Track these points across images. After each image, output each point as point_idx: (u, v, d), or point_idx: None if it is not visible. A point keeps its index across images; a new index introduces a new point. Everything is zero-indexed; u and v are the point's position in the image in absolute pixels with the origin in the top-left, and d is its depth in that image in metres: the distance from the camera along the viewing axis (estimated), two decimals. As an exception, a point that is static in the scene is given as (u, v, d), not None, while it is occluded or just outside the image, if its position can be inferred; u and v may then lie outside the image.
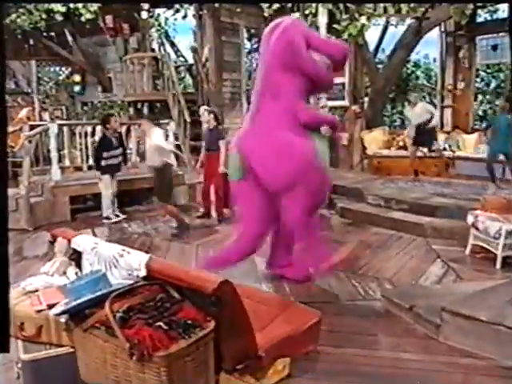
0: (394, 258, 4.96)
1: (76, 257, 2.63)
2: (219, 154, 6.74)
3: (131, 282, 2.21)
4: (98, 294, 2.00)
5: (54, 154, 6.72)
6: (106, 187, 6.69)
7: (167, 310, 1.98)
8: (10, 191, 7.04)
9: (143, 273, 2.15)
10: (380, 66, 13.58)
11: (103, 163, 6.62)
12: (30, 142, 6.25)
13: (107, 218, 6.73)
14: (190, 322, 1.93)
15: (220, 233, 6.17)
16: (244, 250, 4.13)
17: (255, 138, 3.91)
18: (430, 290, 3.84)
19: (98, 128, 7.36)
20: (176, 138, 8.66)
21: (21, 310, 2.32)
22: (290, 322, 2.51)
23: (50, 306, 2.22)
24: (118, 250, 2.31)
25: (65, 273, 2.59)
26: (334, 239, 5.65)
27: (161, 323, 1.88)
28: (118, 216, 6.85)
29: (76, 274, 2.56)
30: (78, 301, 1.97)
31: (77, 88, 13.21)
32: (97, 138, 7.43)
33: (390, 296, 3.68)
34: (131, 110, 11.96)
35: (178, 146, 8.88)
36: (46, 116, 13.23)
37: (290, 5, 8.52)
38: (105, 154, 6.57)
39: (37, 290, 2.50)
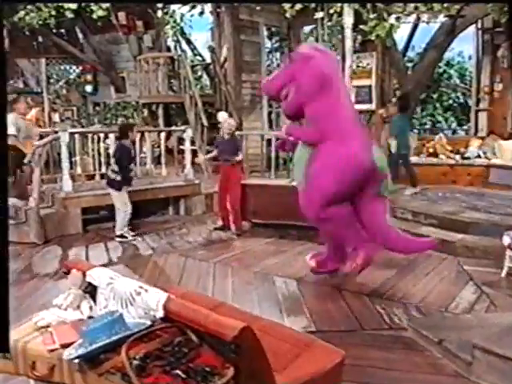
0: (423, 280, 4.96)
1: (91, 289, 2.70)
2: (236, 165, 6.81)
3: (148, 321, 2.27)
4: (114, 338, 2.07)
5: (65, 164, 6.84)
6: (125, 203, 6.60)
7: (185, 355, 2.04)
8: (19, 201, 7.23)
9: (161, 314, 2.21)
10: (409, 65, 13.55)
11: (129, 176, 6.62)
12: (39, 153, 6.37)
13: (122, 236, 6.61)
14: (208, 369, 1.98)
15: (238, 248, 6.24)
16: None
17: None
18: (461, 321, 3.84)
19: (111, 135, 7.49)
20: (192, 143, 8.74)
21: (33, 349, 2.38)
22: (312, 363, 2.55)
23: (64, 346, 2.29)
24: (134, 287, 2.38)
25: (78, 307, 2.66)
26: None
27: (179, 371, 1.94)
28: (133, 234, 6.73)
29: (90, 308, 2.64)
30: (94, 346, 2.05)
31: (88, 88, 13.39)
32: (110, 142, 7.55)
33: (418, 326, 3.69)
34: (145, 111, 12.14)
35: (194, 152, 8.98)
36: (55, 117, 13.48)
37: (313, 4, 8.54)
38: (130, 166, 6.62)
39: (49, 326, 2.56)
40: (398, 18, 8.23)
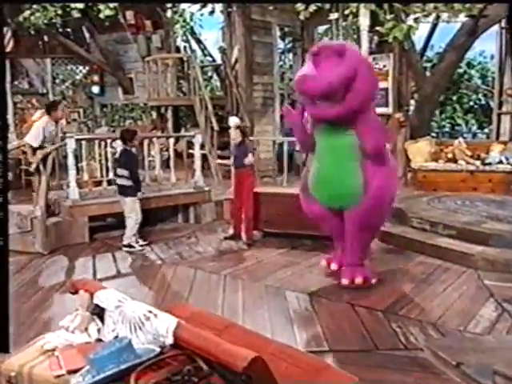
0: (440, 296, 4.94)
1: (99, 311, 2.75)
2: (247, 171, 6.86)
3: (157, 347, 2.31)
4: (123, 367, 2.11)
5: (71, 172, 6.92)
6: (136, 211, 6.65)
7: (195, 384, 2.08)
8: (24, 208, 7.34)
9: (170, 341, 2.25)
10: (428, 65, 13.52)
11: (140, 181, 6.69)
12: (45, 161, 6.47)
13: (129, 245, 6.64)
14: (218, 399, 2.02)
15: (249, 260, 6.26)
16: None
17: None
18: (481, 342, 3.84)
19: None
20: (202, 147, 8.79)
21: (39, 374, 2.42)
22: (324, 390, 2.57)
23: (70, 372, 2.34)
24: (144, 312, 2.43)
25: (86, 329, 2.71)
26: (371, 269, 5.67)
27: (188, 402, 1.98)
28: (141, 244, 6.76)
29: (98, 330, 2.69)
30: (102, 375, 2.09)
31: (95, 89, 13.54)
32: (116, 146, 7.62)
33: (435, 347, 3.70)
34: (154, 113, 12.24)
35: (204, 156, 9.05)
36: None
37: (328, 5, 8.57)
38: (139, 171, 6.68)
39: (56, 349, 2.61)
40: (416, 20, 8.22)
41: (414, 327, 4.19)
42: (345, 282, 5.05)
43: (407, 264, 5.94)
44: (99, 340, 2.69)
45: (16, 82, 13.93)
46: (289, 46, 11.28)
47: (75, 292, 2.86)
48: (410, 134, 9.82)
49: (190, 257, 6.44)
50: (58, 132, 7.31)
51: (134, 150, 6.79)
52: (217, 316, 3.37)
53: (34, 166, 6.44)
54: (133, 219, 6.66)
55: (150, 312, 2.43)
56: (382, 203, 4.73)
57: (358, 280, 5.01)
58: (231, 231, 7.20)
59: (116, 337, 2.58)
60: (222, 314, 4.55)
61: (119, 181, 6.72)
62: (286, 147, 9.03)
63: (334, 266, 5.34)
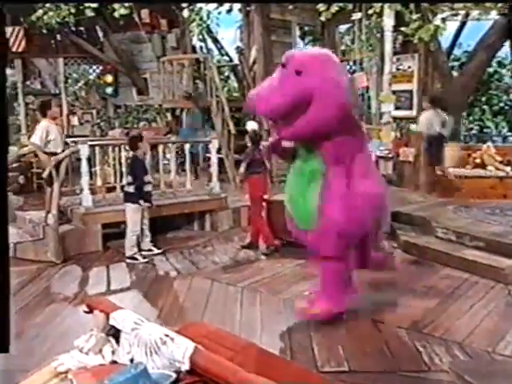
0: (467, 314, 4.90)
1: (114, 332, 2.80)
2: (265, 177, 6.91)
3: (173, 372, 2.36)
4: (138, 394, 2.16)
5: (84, 178, 7.01)
6: (134, 222, 6.69)
7: (212, 413, 2.12)
8: (36, 215, 7.48)
9: (186, 366, 2.29)
10: (455, 64, 13.41)
11: (144, 189, 6.68)
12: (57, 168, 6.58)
13: (132, 258, 6.69)
14: (236, 429, 2.06)
15: (267, 271, 6.27)
16: None
17: None
18: (511, 365, 3.82)
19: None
20: (218, 151, 8.84)
21: (51, 398, 2.49)
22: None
23: (84, 397, 2.40)
24: (160, 335, 2.47)
25: (101, 351, 2.76)
26: (393, 282, 5.67)
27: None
28: (145, 256, 6.75)
29: (113, 352, 2.74)
30: (117, 403, 2.14)
31: (109, 89, 13.68)
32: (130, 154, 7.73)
33: (461, 370, 3.69)
34: (169, 115, 12.34)
35: (220, 160, 9.10)
36: (74, 120, 13.81)
37: (351, 5, 8.57)
38: (145, 178, 6.67)
39: (69, 371, 2.66)
40: (444, 19, 8.17)
41: (439, 347, 4.18)
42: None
43: (432, 277, 5.92)
44: (114, 362, 2.74)
45: (28, 83, 14.15)
46: (309, 45, 11.29)
47: (90, 311, 2.91)
48: (436, 138, 9.74)
49: (206, 267, 6.48)
50: (61, 133, 7.44)
51: (140, 155, 6.82)
52: (233, 335, 3.40)
53: (46, 172, 6.54)
54: (130, 230, 6.72)
55: (167, 336, 2.47)
56: (334, 231, 4.34)
57: (314, 309, 4.63)
58: (248, 239, 7.25)
59: (131, 360, 2.63)
60: (239, 329, 4.60)
61: (126, 187, 6.85)
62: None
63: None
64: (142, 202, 6.67)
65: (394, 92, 9.07)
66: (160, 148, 8.22)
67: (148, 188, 6.77)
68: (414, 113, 9.66)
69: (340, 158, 4.30)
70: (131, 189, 6.67)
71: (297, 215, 4.65)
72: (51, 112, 7.36)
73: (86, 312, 2.95)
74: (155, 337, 2.49)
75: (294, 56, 4.21)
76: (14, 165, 9.30)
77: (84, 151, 6.91)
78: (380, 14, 8.12)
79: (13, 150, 11.90)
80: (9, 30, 12.54)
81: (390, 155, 7.80)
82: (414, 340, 4.32)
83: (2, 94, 2.80)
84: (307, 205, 4.44)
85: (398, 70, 9.75)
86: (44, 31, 12.70)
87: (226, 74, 14.27)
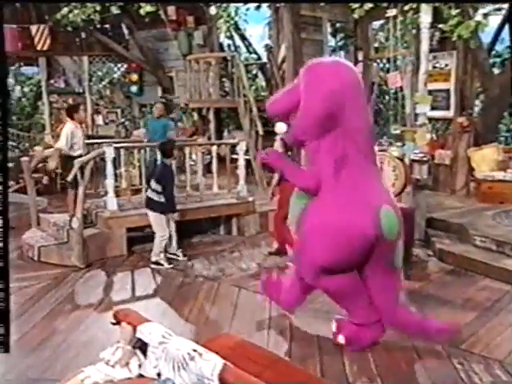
0: (509, 329, 4.80)
1: (141, 345, 2.84)
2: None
3: (202, 389, 2.38)
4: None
5: (109, 181, 7.10)
6: (163, 227, 6.75)
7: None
8: (60, 218, 7.60)
9: (215, 384, 2.32)
10: (497, 60, 13.16)
11: (174, 199, 6.76)
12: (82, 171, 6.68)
13: (157, 263, 6.76)
14: None
15: (295, 279, 6.27)
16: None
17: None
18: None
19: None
20: (246, 152, 8.86)
21: (78, 412, 2.54)
22: None
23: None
24: (188, 351, 2.49)
25: (127, 364, 2.80)
26: (429, 294, 5.61)
27: None
28: (170, 262, 6.81)
29: (140, 366, 2.77)
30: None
31: (134, 88, 13.83)
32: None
33: (502, 390, 3.63)
34: (195, 115, 12.40)
35: (247, 161, 9.11)
36: (99, 120, 14.00)
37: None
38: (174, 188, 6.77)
39: (95, 384, 2.70)
40: (485, 15, 8.02)
41: (478, 365, 4.11)
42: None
43: (469, 289, 5.83)
44: (140, 376, 2.78)
45: (52, 81, 14.40)
46: (340, 43, 11.24)
47: (117, 323, 2.95)
48: (474, 139, 9.59)
49: (233, 274, 6.51)
50: (84, 135, 7.57)
51: (170, 163, 6.87)
52: (261, 349, 3.41)
53: (71, 176, 6.65)
54: (158, 235, 6.77)
55: (195, 351, 2.49)
56: (302, 257, 4.26)
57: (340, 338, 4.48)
58: (276, 245, 7.24)
59: (158, 374, 2.67)
60: (267, 340, 4.61)
61: (150, 193, 6.81)
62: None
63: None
64: (171, 214, 6.76)
65: (429, 92, 8.94)
66: (187, 150, 8.27)
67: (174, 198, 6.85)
68: (451, 113, 9.53)
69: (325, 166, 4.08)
70: (161, 199, 6.68)
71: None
72: (78, 116, 7.50)
73: (113, 324, 2.99)
74: (183, 352, 2.51)
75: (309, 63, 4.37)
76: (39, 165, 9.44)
77: (109, 153, 7.00)
78: (416, 11, 8.01)
79: (38, 150, 12.19)
80: (33, 28, 12.80)
81: (425, 158, 7.68)
82: (450, 356, 4.26)
83: (2, 92, 2.86)
84: (297, 211, 4.31)
85: (434, 68, 9.63)
86: (69, 29, 12.90)
87: (254, 72, 14.28)
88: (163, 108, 9.86)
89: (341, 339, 4.45)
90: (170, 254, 6.93)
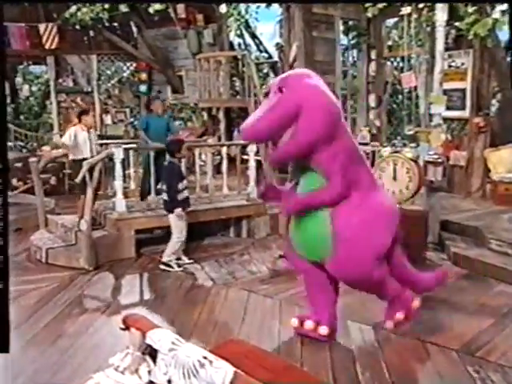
0: (527, 335, 4.80)
1: (151, 351, 2.85)
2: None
3: (212, 397, 2.38)
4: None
5: (118, 183, 7.14)
6: (179, 229, 6.74)
7: None
8: (68, 220, 7.65)
9: (226, 392, 2.32)
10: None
11: (179, 197, 6.71)
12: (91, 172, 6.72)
13: (167, 264, 6.77)
14: None
15: (306, 283, 6.26)
16: None
17: None
18: None
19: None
20: (257, 153, 8.86)
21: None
22: None
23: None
24: (198, 358, 2.49)
25: (137, 370, 2.81)
26: (443, 299, 5.58)
27: None
28: (179, 265, 6.82)
29: (149, 372, 2.78)
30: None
31: (143, 87, 13.92)
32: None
33: (519, 399, 3.60)
34: (205, 114, 12.44)
35: (258, 162, 9.11)
36: (107, 119, 14.07)
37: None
38: (180, 186, 6.70)
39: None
40: (503, 12, 7.95)
41: (495, 373, 4.07)
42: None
43: (485, 294, 5.80)
44: (151, 382, 2.79)
45: (60, 80, 14.50)
46: (353, 41, 11.19)
47: (126, 328, 2.96)
48: (491, 140, 9.53)
49: (243, 277, 6.51)
50: (92, 139, 7.59)
51: (177, 162, 6.86)
52: (272, 355, 3.43)
53: (79, 177, 6.68)
54: (174, 236, 6.79)
55: (205, 358, 2.49)
56: (355, 254, 4.17)
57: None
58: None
59: (169, 381, 2.67)
60: (277, 346, 4.62)
61: (163, 194, 6.90)
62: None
63: (309, 325, 4.70)
64: (178, 210, 6.70)
65: (445, 91, 8.90)
66: (196, 151, 8.29)
67: (183, 195, 6.78)
68: (466, 113, 9.47)
69: (341, 169, 4.07)
70: (165, 197, 6.74)
71: (306, 243, 4.43)
72: (86, 119, 7.51)
73: (122, 329, 3.00)
74: (193, 359, 2.52)
75: (276, 79, 4.35)
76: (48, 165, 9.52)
77: (118, 154, 7.03)
78: (432, 8, 7.98)
79: (46, 150, 12.28)
80: (42, 26, 12.90)
81: (440, 160, 7.65)
82: (465, 364, 4.23)
83: (1, 93, 2.89)
84: (318, 229, 4.25)
85: (449, 67, 9.56)
86: (77, 27, 13.01)
87: (265, 71, 14.29)
88: (163, 105, 9.82)
89: (308, 325, 4.66)
90: (176, 258, 6.92)
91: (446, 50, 8.72)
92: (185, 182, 6.87)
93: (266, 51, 14.75)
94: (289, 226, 4.61)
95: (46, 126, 16.63)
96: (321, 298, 4.73)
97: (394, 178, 6.69)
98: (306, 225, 4.32)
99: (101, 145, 8.35)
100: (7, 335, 2.98)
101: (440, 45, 7.79)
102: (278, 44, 12.00)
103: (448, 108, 9.13)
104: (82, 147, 7.34)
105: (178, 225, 6.76)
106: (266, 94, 4.27)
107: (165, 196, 6.76)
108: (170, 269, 6.72)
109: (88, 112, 7.91)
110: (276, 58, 12.63)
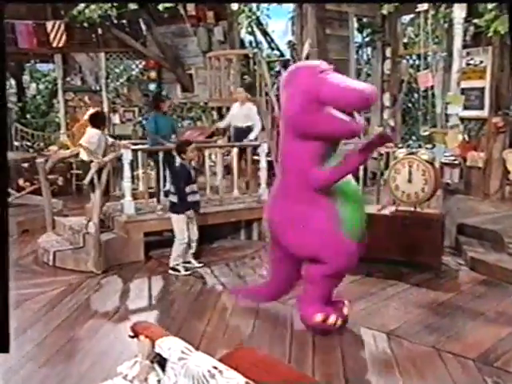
0: (547, 345, 4.77)
1: (160, 359, 2.87)
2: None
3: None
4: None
5: (126, 184, 7.18)
6: (181, 231, 6.79)
7: None
8: (76, 222, 7.71)
9: (237, 403, 2.33)
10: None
11: (188, 199, 6.75)
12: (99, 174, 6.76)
13: (174, 269, 6.82)
14: None
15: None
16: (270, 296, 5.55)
17: (278, 206, 4.90)
18: None
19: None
20: (268, 154, 8.86)
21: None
22: None
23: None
24: (208, 368, 2.51)
25: (146, 379, 2.83)
26: (460, 306, 5.57)
27: None
28: (187, 269, 6.85)
29: (158, 381, 2.81)
30: None
31: (152, 86, 13.95)
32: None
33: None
34: (215, 114, 12.47)
35: (269, 163, 9.12)
36: (116, 119, 14.13)
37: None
38: (187, 189, 6.72)
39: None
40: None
41: (514, 383, 4.08)
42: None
43: (503, 301, 5.76)
44: (160, 391, 2.81)
45: (68, 79, 14.58)
46: (367, 39, 11.19)
47: (135, 336, 2.98)
48: (510, 140, 9.48)
49: (254, 281, 6.51)
50: (106, 140, 7.65)
51: (186, 163, 6.83)
52: (284, 364, 3.44)
53: (87, 179, 6.73)
54: (177, 239, 6.83)
55: (216, 368, 2.51)
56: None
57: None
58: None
59: (178, 390, 2.70)
60: (289, 354, 4.62)
61: (170, 195, 6.97)
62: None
63: (332, 319, 4.87)
64: (188, 212, 6.76)
65: (463, 90, 8.86)
66: (206, 152, 8.31)
67: (193, 198, 6.83)
68: (485, 113, 9.41)
69: None
70: (174, 199, 6.78)
71: (361, 226, 4.78)
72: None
73: (130, 337, 3.03)
74: (203, 369, 2.53)
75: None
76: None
77: (127, 156, 7.07)
78: (450, 5, 7.95)
79: (53, 150, 12.37)
80: (49, 24, 12.98)
81: (457, 161, 7.64)
82: (483, 374, 4.20)
83: (2, 93, 2.92)
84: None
85: (468, 65, 9.52)
86: (85, 25, 13.07)
87: (277, 69, 14.29)
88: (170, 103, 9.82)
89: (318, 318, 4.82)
90: (184, 262, 6.94)
91: (464, 47, 8.70)
92: (194, 185, 6.89)
93: (278, 49, 14.76)
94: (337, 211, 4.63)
95: (52, 125, 16.73)
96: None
97: (409, 181, 6.66)
98: (360, 206, 4.85)
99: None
100: (7, 335, 3.02)
101: (458, 42, 7.77)
102: (290, 42, 12.02)
103: (466, 107, 9.10)
104: (97, 150, 7.39)
105: (179, 226, 6.80)
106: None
107: (173, 198, 6.80)
108: (178, 273, 6.76)
109: (104, 118, 7.99)
110: (288, 56, 12.62)
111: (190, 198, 6.77)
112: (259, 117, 9.72)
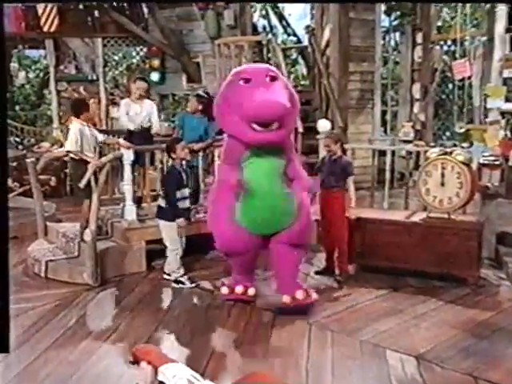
0: None
1: (163, 387, 2.89)
2: (343, 193, 6.86)
3: None
4: None
5: (127, 188, 7.21)
6: (173, 239, 6.80)
7: None
8: (70, 228, 7.74)
9: None
10: None
11: (180, 205, 6.73)
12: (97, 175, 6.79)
13: (179, 281, 6.83)
14: None
15: (340, 304, 6.24)
16: None
17: None
18: None
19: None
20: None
21: None
22: None
23: None
24: (217, 398, 2.54)
25: (149, 408, 2.86)
26: (501, 326, 5.52)
27: None
28: (193, 281, 6.87)
29: (161, 410, 2.83)
30: None
31: (154, 76, 13.87)
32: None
33: None
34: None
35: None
36: (114, 112, 14.16)
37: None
38: (178, 194, 6.69)
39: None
40: None
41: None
42: (286, 299, 5.85)
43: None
44: (162, 422, 2.83)
45: (61, 67, 14.60)
46: (395, 23, 11.14)
47: (135, 362, 3.00)
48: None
49: (267, 296, 6.50)
50: (96, 136, 7.61)
51: (177, 165, 6.85)
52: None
53: (84, 182, 6.77)
54: (170, 249, 6.85)
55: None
56: (311, 221, 6.07)
57: (299, 294, 5.83)
58: (323, 263, 7.22)
59: (183, 422, 2.72)
60: (305, 376, 4.63)
61: (159, 200, 7.02)
62: (389, 154, 8.83)
63: (239, 289, 6.13)
64: (180, 220, 6.72)
65: (504, 80, 8.80)
66: (216, 151, 8.32)
67: (183, 204, 6.82)
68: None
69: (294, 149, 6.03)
70: (163, 203, 6.81)
71: (273, 217, 5.69)
72: (85, 115, 7.51)
73: (131, 363, 3.05)
74: (212, 400, 2.56)
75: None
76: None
77: (128, 157, 7.11)
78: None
79: (45, 147, 12.42)
80: (40, 7, 13.03)
81: (497, 162, 7.57)
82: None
83: (2, 92, 2.97)
84: (286, 204, 5.67)
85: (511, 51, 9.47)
86: (80, 7, 13.10)
87: (293, 56, 14.30)
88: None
89: (238, 289, 6.15)
90: (169, 273, 6.94)
91: (508, 31, 8.63)
92: (185, 190, 6.87)
93: (295, 34, 14.75)
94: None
95: (44, 118, 16.78)
96: (250, 266, 6.26)
97: (442, 184, 6.63)
98: (274, 203, 5.63)
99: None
100: (7, 335, 3.10)
101: (500, 26, 7.70)
102: (308, 27, 11.96)
103: (508, 100, 9.04)
104: (85, 147, 7.35)
105: (170, 234, 6.81)
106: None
107: (161, 202, 6.83)
108: (183, 286, 6.79)
109: (85, 105, 7.90)
110: (306, 43, 12.59)
111: (181, 205, 6.77)
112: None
